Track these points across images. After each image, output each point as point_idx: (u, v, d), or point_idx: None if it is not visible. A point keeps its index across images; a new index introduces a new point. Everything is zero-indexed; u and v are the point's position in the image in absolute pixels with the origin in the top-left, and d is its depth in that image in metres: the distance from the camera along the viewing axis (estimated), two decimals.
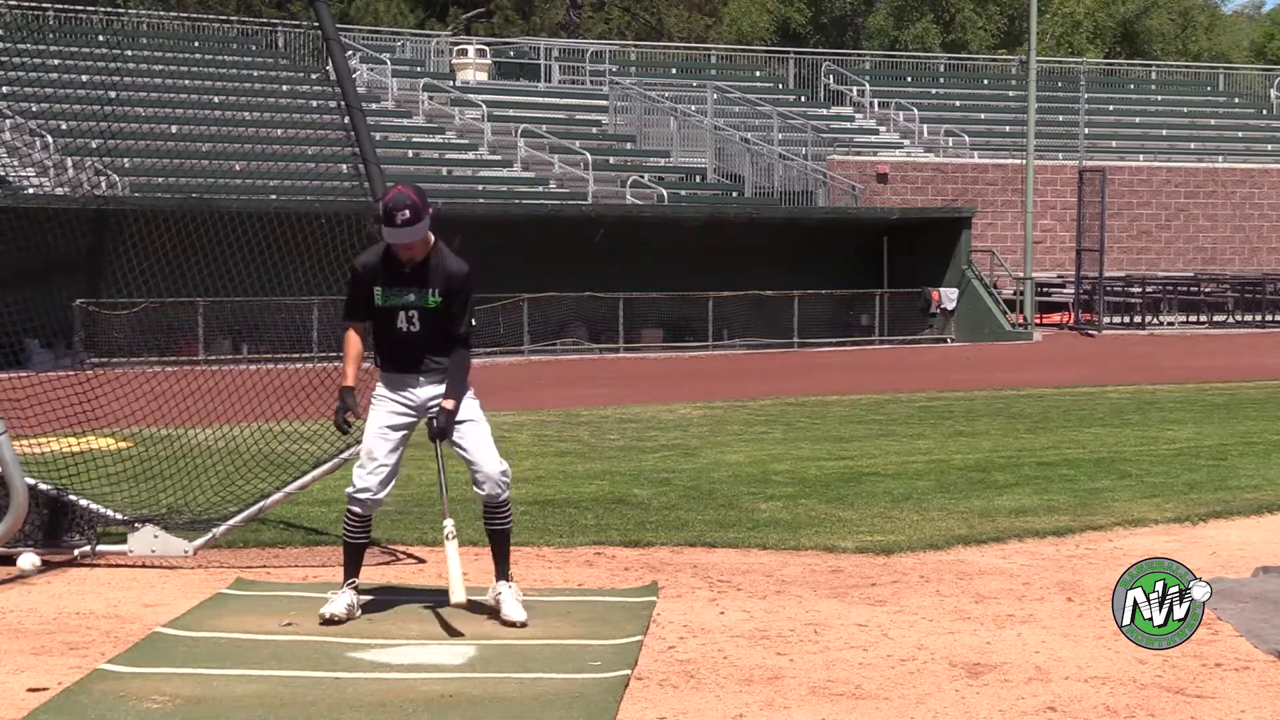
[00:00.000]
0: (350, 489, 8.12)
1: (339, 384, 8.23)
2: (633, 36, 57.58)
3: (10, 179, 27.35)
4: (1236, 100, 50.02)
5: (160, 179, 24.97)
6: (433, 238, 7.98)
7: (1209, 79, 51.80)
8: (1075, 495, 12.35)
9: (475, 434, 8.04)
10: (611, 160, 36.89)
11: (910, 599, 8.67)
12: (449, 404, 7.97)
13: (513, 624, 7.94)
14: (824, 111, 43.80)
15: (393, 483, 8.18)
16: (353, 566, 8.16)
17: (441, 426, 7.99)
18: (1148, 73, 53.69)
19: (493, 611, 8.13)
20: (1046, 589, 8.96)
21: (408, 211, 7.77)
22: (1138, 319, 37.85)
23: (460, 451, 8.07)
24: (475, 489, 8.14)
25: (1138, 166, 42.20)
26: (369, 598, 8.31)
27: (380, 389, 8.13)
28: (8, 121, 28.07)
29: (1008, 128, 43.28)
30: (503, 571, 8.18)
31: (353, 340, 8.17)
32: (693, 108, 39.36)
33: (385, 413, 8.08)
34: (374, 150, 9.88)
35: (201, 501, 10.07)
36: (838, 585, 9.04)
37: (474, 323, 8.07)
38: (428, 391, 8.05)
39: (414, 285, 7.94)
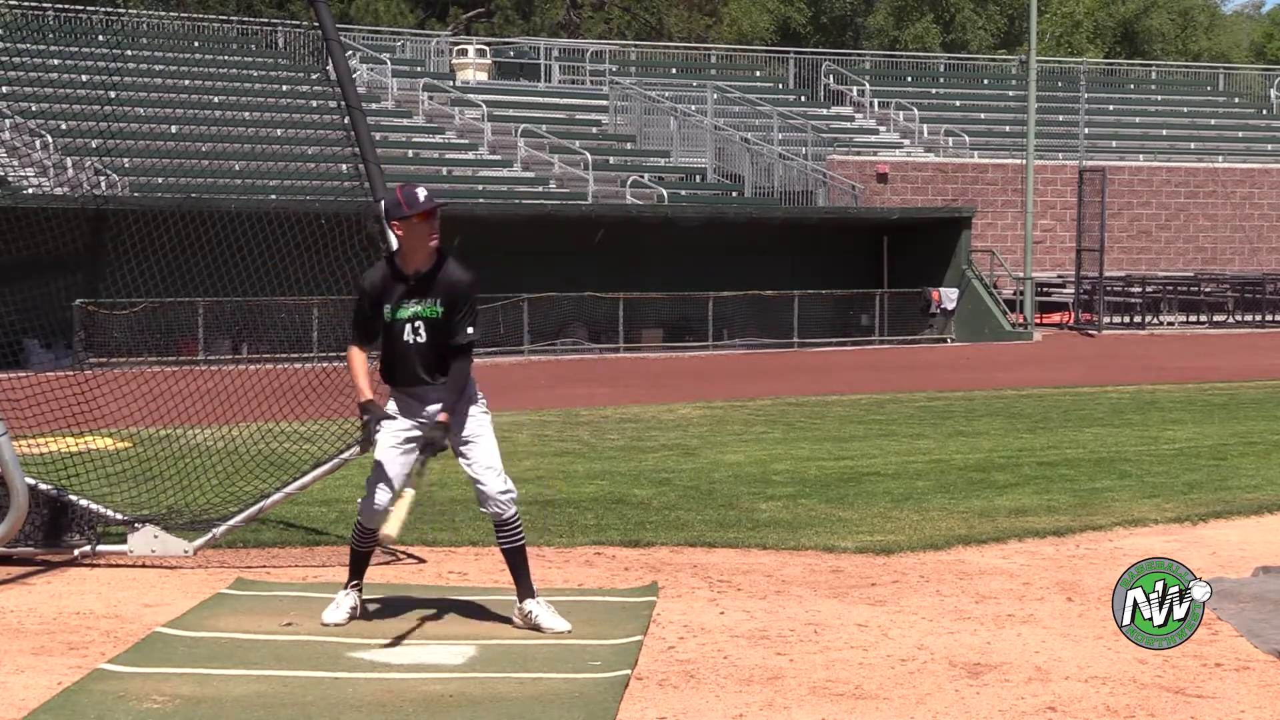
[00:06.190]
0: (361, 502, 8.02)
1: (357, 402, 7.99)
2: (633, 36, 57.57)
3: (10, 179, 27.34)
4: (1236, 100, 50.04)
5: (160, 179, 24.94)
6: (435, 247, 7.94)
7: (1209, 79, 51.81)
8: (1075, 495, 12.34)
9: (481, 450, 7.92)
10: (611, 160, 36.88)
11: (910, 599, 8.67)
12: (444, 417, 7.81)
13: (560, 633, 7.84)
14: (824, 111, 43.82)
15: None
16: (357, 571, 8.16)
17: (430, 439, 7.80)
18: (1148, 73, 53.70)
19: (494, 614, 8.15)
20: (1046, 589, 8.95)
21: (424, 189, 7.88)
22: (1138, 319, 37.84)
23: (465, 465, 7.97)
24: (480, 506, 8.05)
25: (1138, 166, 42.21)
26: (371, 598, 8.31)
27: (389, 405, 8.02)
28: (8, 121, 28.10)
29: (1008, 128, 43.30)
30: (527, 590, 8.00)
31: (357, 356, 8.02)
32: (693, 108, 39.36)
33: (394, 429, 7.97)
34: (374, 150, 9.87)
35: (201, 502, 10.07)
36: (838, 585, 9.04)
37: (472, 331, 7.87)
38: (435, 406, 7.91)
39: (418, 296, 7.87)
